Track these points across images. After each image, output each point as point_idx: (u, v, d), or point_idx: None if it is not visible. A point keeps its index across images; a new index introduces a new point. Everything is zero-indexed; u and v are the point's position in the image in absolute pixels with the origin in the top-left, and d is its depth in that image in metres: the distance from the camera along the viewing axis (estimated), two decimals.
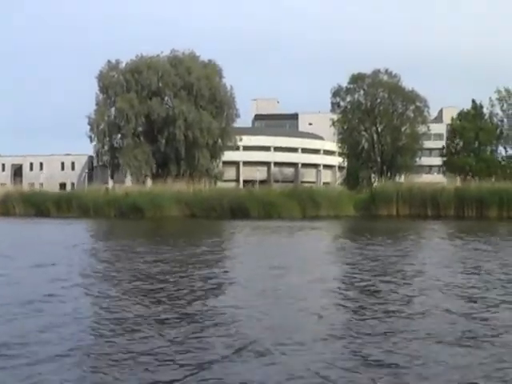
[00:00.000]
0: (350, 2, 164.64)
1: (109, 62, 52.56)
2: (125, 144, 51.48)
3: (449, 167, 49.29)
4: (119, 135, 52.13)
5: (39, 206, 45.13)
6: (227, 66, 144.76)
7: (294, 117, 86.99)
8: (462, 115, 51.04)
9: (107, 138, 52.26)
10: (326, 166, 77.51)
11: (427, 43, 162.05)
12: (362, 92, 65.25)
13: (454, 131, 50.41)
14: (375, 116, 63.96)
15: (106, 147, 53.08)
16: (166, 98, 51.10)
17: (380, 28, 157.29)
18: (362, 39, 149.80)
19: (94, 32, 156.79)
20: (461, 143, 49.66)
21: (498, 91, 49.09)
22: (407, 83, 64.72)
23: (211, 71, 51.93)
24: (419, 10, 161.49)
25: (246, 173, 72.70)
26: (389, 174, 63.19)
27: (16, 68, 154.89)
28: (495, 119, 49.53)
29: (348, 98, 65.52)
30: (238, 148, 73.65)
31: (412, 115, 63.29)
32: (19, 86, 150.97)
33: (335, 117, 65.63)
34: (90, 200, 42.70)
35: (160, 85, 50.65)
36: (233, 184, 70.42)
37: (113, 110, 51.87)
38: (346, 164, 67.22)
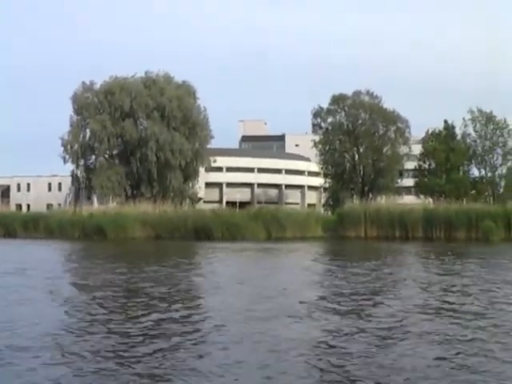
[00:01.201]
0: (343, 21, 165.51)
1: (83, 83, 52.87)
2: (98, 165, 51.49)
3: (420, 188, 48.87)
4: (93, 156, 52.16)
5: (8, 226, 45.22)
6: (214, 87, 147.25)
7: (281, 138, 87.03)
8: (433, 136, 50.75)
9: (81, 160, 52.28)
10: (311, 187, 77.19)
11: (419, 62, 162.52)
12: (343, 113, 65.28)
13: (425, 152, 50.07)
14: (356, 137, 63.79)
15: (82, 168, 53.12)
16: (140, 120, 51.09)
17: (371, 47, 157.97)
18: (349, 60, 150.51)
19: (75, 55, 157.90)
20: (433, 164, 49.31)
21: (471, 111, 48.89)
22: (398, 104, 64.65)
23: (184, 92, 52.02)
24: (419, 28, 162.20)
25: (229, 194, 72.49)
26: (370, 195, 62.90)
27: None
28: (468, 140, 49.22)
29: (329, 119, 65.52)
30: (221, 169, 73.78)
31: (393, 136, 63.08)
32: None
33: (317, 138, 65.65)
34: (55, 221, 42.66)
35: (133, 106, 50.69)
36: (216, 205, 70.29)
37: (87, 131, 51.95)
38: (327, 185, 66.95)
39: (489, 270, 18.71)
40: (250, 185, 74.48)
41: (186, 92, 52.63)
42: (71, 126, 52.11)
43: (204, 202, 70.70)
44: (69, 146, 51.39)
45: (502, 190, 47.19)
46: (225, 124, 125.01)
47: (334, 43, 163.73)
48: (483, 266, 20.57)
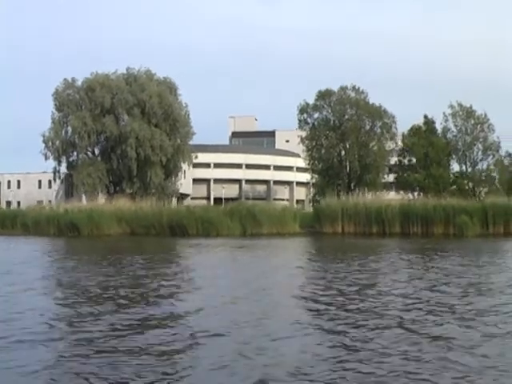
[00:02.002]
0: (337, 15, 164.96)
1: (65, 80, 52.82)
2: (79, 162, 51.48)
3: (399, 184, 48.63)
4: (75, 153, 52.15)
5: None
6: (205, 84, 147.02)
7: (272, 134, 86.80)
8: (413, 131, 50.45)
9: (63, 156, 52.25)
10: (300, 183, 77.02)
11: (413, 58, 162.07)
12: (329, 109, 65.05)
13: (404, 147, 49.81)
14: (342, 132, 63.52)
15: (64, 165, 53.19)
16: (120, 116, 50.98)
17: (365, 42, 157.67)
18: (343, 55, 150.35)
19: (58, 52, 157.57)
20: (413, 159, 49.01)
21: (451, 106, 48.56)
22: (386, 99, 64.31)
23: (165, 89, 51.88)
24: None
25: (216, 190, 72.41)
26: (356, 191, 62.69)
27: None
28: (449, 135, 48.90)
29: (316, 115, 65.31)
30: (208, 165, 73.76)
31: (380, 131, 62.79)
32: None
33: (304, 134, 65.50)
34: (31, 218, 42.65)
35: (114, 102, 50.60)
36: (204, 201, 70.25)
37: (69, 127, 51.91)
38: (314, 181, 66.80)
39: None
40: (237, 181, 74.39)
41: (167, 88, 52.50)
42: (52, 122, 52.06)
43: (191, 198, 70.77)
44: (50, 143, 51.36)
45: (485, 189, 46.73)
46: (216, 120, 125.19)
47: (325, 39, 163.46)
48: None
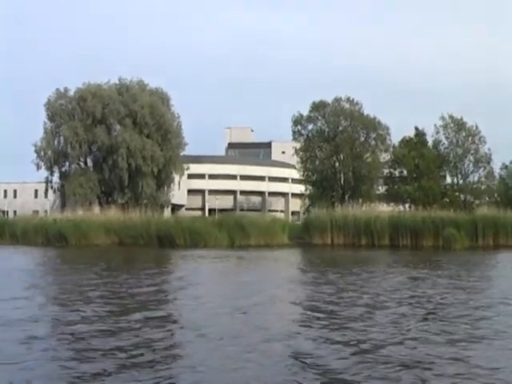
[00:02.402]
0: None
1: (57, 90, 52.98)
2: (71, 172, 51.57)
3: (390, 196, 48.52)
4: (67, 163, 52.27)
5: None
6: (203, 96, 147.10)
7: (268, 145, 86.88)
8: (404, 142, 50.42)
9: (55, 166, 52.39)
10: (295, 195, 76.92)
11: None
12: (323, 120, 65.11)
13: (395, 159, 49.73)
14: (337, 144, 63.54)
15: (57, 175, 53.33)
16: (112, 126, 51.07)
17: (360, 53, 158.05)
18: (340, 65, 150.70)
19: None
20: (404, 171, 48.93)
21: (443, 118, 48.50)
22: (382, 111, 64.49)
23: (157, 99, 52.01)
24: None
25: (211, 201, 72.36)
26: (350, 203, 62.57)
27: None
28: (440, 147, 48.80)
29: (310, 126, 65.39)
30: (203, 176, 73.79)
31: (374, 143, 62.77)
32: None
33: (298, 145, 65.61)
34: (19, 227, 42.61)
35: (105, 112, 50.73)
36: (199, 212, 70.20)
37: (61, 137, 52.05)
38: (308, 192, 66.73)
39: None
40: (232, 192, 74.38)
41: (159, 99, 52.63)
42: (44, 132, 52.21)
43: (186, 209, 70.70)
44: (42, 153, 51.45)
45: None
46: (214, 131, 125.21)
47: (321, 51, 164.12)
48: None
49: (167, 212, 63.39)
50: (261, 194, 76.40)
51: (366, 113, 63.96)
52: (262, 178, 76.05)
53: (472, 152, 47.83)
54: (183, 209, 70.04)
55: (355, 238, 42.58)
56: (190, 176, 72.54)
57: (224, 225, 41.54)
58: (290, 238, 44.29)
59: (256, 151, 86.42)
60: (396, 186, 46.62)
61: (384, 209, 53.05)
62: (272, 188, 76.32)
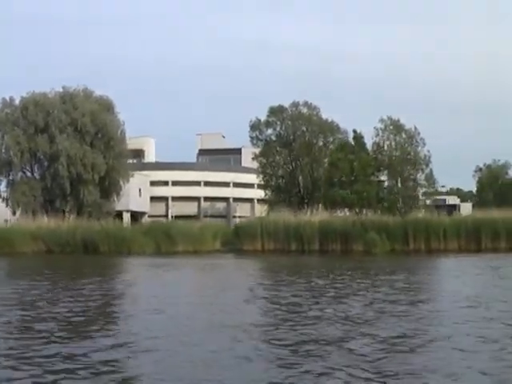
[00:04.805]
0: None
1: (3, 99, 53.29)
2: (15, 180, 51.85)
3: (326, 200, 48.16)
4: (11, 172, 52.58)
5: None
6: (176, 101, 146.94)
7: (238, 152, 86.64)
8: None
9: (1, 175, 52.74)
10: (261, 201, 76.57)
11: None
12: (282, 125, 64.99)
13: (332, 163, 49.40)
14: (295, 149, 63.41)
15: (4, 183, 53.63)
16: (55, 135, 51.16)
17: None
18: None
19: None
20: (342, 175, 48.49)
21: (382, 120, 48.15)
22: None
23: (100, 107, 52.14)
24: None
25: (175, 208, 72.30)
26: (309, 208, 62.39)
27: None
28: (378, 149, 48.34)
29: (269, 131, 65.32)
30: (167, 183, 73.81)
31: (332, 147, 62.45)
32: None
33: (257, 151, 65.60)
34: None
35: (48, 121, 50.93)
36: (162, 219, 70.04)
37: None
38: (267, 197, 66.65)
39: None
40: (196, 198, 74.31)
41: (104, 107, 52.74)
42: None
43: (149, 216, 70.65)
44: None
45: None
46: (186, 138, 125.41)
47: (294, 53, 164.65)
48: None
49: (127, 219, 63.50)
50: (225, 200, 76.26)
51: (324, 117, 64.15)
52: (226, 184, 75.93)
53: (411, 155, 47.41)
54: (146, 216, 70.05)
55: (285, 243, 42.44)
56: (154, 183, 72.60)
57: (151, 232, 41.61)
58: (223, 244, 44.24)
59: (227, 157, 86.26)
60: (332, 191, 46.15)
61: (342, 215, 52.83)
62: (237, 194, 76.14)
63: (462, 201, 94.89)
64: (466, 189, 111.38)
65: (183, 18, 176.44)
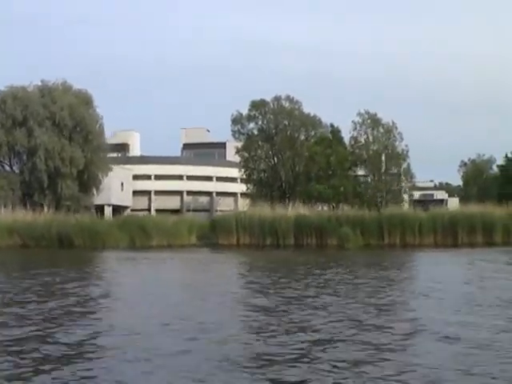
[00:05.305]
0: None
1: None
2: None
3: (303, 195, 48.24)
4: None
5: None
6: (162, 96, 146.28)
7: (222, 146, 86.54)
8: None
9: None
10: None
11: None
12: (264, 119, 64.97)
13: (310, 157, 49.46)
14: (277, 143, 63.42)
15: None
16: (33, 129, 51.00)
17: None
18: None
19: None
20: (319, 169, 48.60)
21: (360, 114, 48.24)
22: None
23: (79, 101, 52.00)
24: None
25: (157, 202, 72.28)
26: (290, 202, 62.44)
27: None
28: (355, 143, 48.46)
29: (251, 125, 65.31)
30: (149, 177, 73.71)
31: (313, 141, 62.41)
32: None
33: (239, 145, 65.60)
34: None
35: (26, 115, 50.76)
36: (145, 213, 69.95)
37: None
38: (249, 191, 66.66)
39: None
40: (179, 192, 74.23)
41: (82, 100, 52.61)
42: None
43: (132, 210, 70.56)
44: None
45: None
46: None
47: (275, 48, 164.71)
48: None
49: (108, 213, 63.40)
50: (209, 194, 76.26)
51: (306, 111, 64.17)
52: (209, 178, 75.92)
53: (388, 149, 47.54)
54: (128, 210, 69.94)
55: (260, 238, 42.52)
56: (136, 177, 72.45)
57: (126, 226, 41.57)
58: (199, 238, 44.27)
59: (211, 151, 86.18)
60: (309, 185, 46.21)
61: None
62: (220, 188, 76.17)
63: (450, 195, 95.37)
64: (455, 183, 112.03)
65: (183, 18, 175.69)
